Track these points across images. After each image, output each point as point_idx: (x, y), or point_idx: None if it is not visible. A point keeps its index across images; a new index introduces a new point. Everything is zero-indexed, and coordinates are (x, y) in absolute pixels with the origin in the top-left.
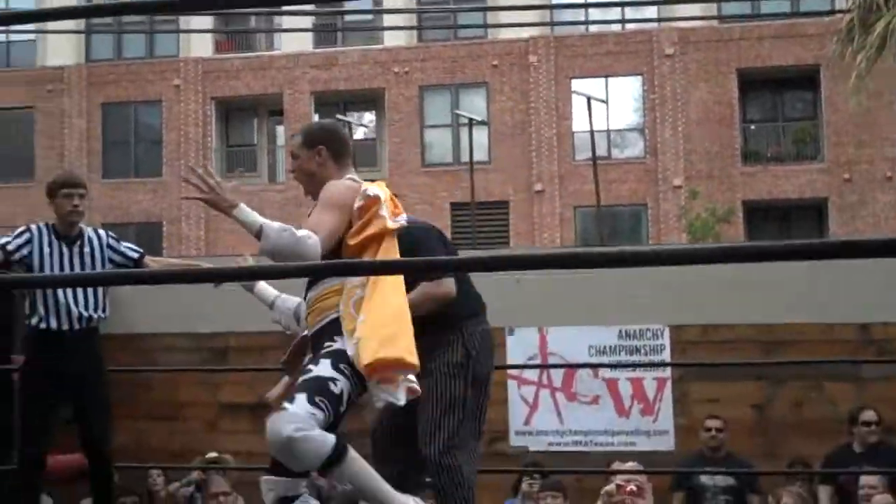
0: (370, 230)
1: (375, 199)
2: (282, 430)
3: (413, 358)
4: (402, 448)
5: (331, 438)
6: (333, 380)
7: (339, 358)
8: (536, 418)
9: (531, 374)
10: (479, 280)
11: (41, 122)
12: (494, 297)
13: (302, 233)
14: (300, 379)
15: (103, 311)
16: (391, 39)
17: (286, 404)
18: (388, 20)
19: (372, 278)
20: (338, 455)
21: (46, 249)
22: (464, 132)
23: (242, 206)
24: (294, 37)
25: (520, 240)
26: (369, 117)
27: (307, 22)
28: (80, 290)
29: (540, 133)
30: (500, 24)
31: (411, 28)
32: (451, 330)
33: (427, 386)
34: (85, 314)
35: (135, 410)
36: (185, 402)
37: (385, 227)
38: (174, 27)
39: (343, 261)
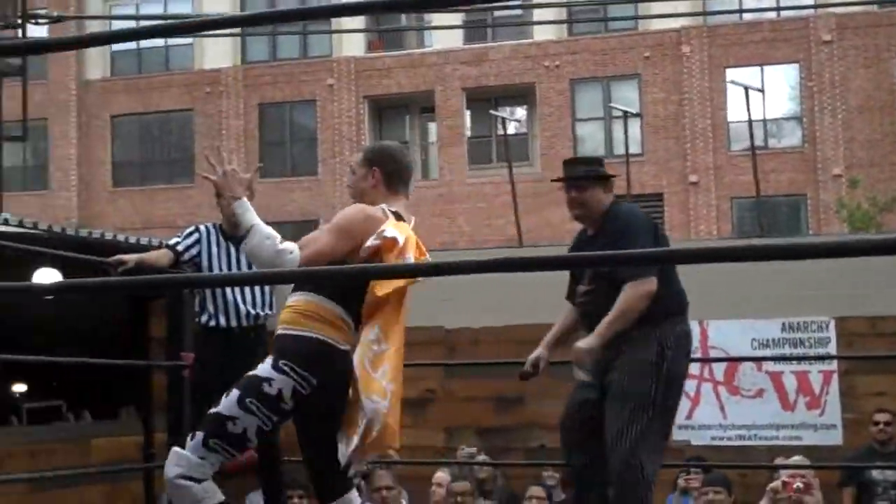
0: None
1: (393, 242)
2: (168, 472)
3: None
4: (594, 439)
5: (212, 500)
6: (233, 419)
7: (251, 391)
8: (698, 412)
9: (692, 368)
10: None
11: (200, 123)
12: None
13: (284, 245)
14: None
15: (270, 308)
16: (541, 33)
17: (189, 440)
18: (537, 14)
19: (389, 334)
20: None
21: (214, 249)
22: (616, 125)
23: (244, 201)
24: (445, 34)
25: (675, 232)
26: (521, 112)
27: (457, 19)
28: (247, 289)
29: (694, 124)
30: (652, 15)
31: (561, 22)
32: (647, 326)
33: (617, 381)
34: (252, 312)
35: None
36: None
37: (400, 286)
38: (327, 28)
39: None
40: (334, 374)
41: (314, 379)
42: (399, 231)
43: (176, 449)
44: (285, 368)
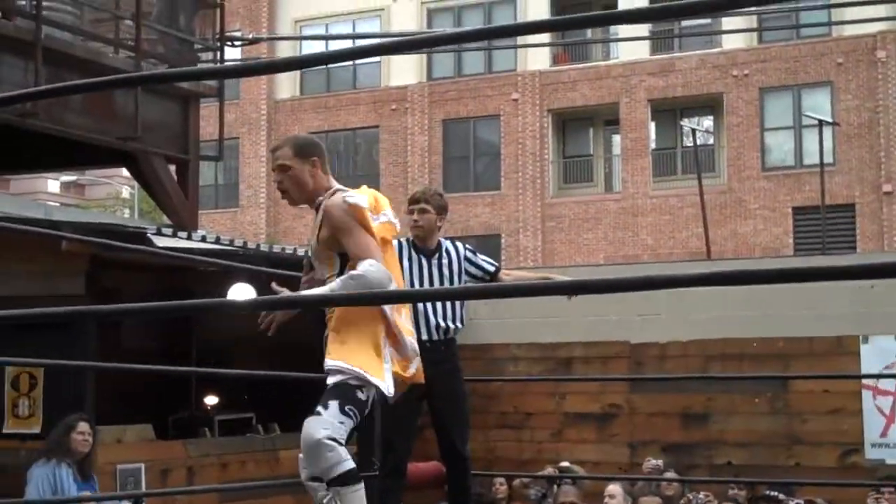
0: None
1: (359, 209)
2: (315, 433)
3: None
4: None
5: (350, 462)
6: (360, 387)
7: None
8: (894, 430)
9: (888, 384)
10: (830, 286)
11: (386, 140)
12: (847, 303)
13: (361, 268)
14: (330, 385)
15: (461, 321)
16: (729, 42)
17: (320, 408)
18: (726, 23)
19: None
20: (349, 479)
21: (406, 263)
22: (807, 134)
23: (309, 292)
24: (631, 45)
25: (868, 244)
26: (707, 122)
27: (644, 30)
28: (439, 302)
29: (889, 132)
30: (845, 20)
31: (751, 30)
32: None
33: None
34: (443, 325)
35: (485, 420)
36: (532, 411)
37: (378, 234)
38: (512, 43)
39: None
40: None
41: None
42: (360, 194)
43: (316, 416)
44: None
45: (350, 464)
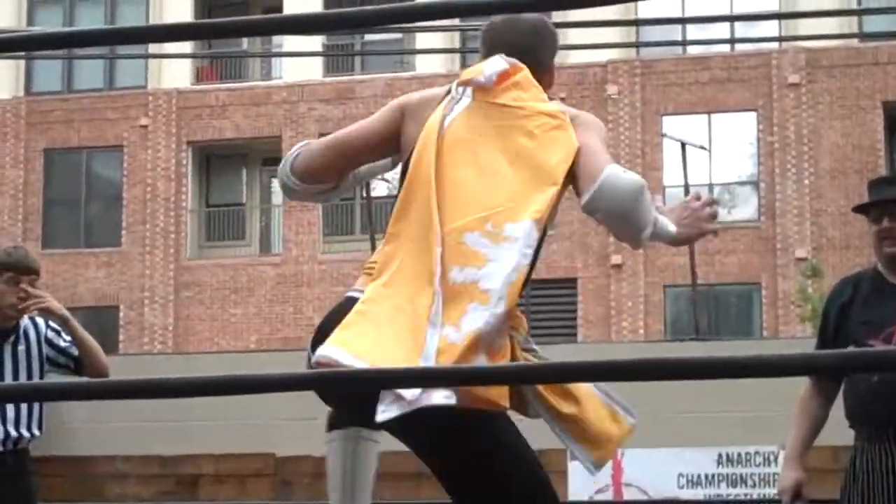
0: None
1: None
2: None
3: None
4: None
5: None
6: None
7: None
8: None
9: None
10: None
11: None
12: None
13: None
14: None
15: (38, 427)
16: (424, 65)
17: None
18: (420, 40)
19: None
20: None
21: None
22: None
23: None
24: (298, 63)
25: (592, 329)
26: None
27: (316, 43)
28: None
29: None
30: (569, 44)
31: (452, 51)
32: None
33: None
34: (14, 434)
35: None
36: None
37: None
38: (142, 51)
39: None
40: None
41: None
42: None
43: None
44: None
45: None
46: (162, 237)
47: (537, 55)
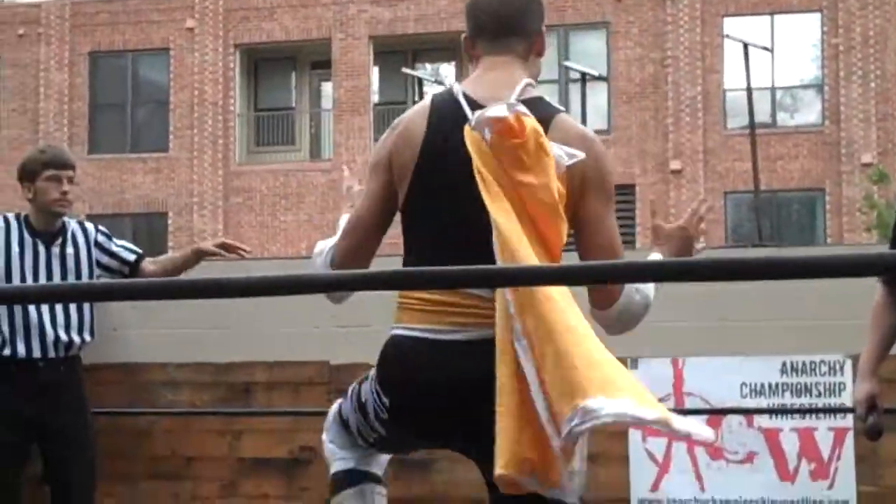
0: None
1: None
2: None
3: None
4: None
5: (338, 466)
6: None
7: None
8: (668, 482)
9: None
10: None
11: (9, 76)
12: None
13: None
14: None
15: (90, 333)
16: None
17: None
18: None
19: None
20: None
21: (16, 249)
22: (575, 91)
23: None
24: None
25: (650, 236)
26: (447, 70)
27: None
28: (59, 306)
29: (679, 92)
30: None
31: None
32: None
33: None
34: (65, 338)
35: (130, 468)
36: (196, 455)
37: None
38: None
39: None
40: None
41: None
42: None
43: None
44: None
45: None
46: (210, 142)
47: (526, 23)
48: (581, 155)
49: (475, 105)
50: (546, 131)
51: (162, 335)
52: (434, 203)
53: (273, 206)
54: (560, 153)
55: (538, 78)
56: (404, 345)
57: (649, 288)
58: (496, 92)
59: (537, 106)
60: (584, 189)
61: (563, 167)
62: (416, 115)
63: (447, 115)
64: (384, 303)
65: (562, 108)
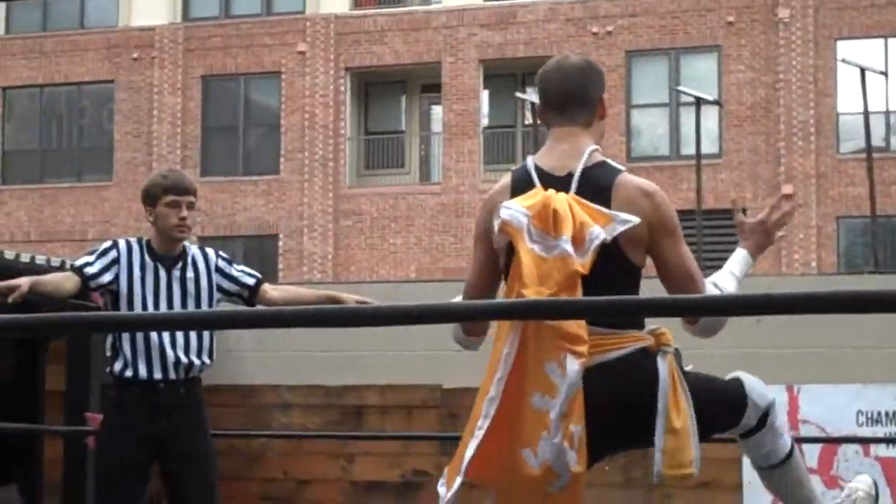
0: None
1: None
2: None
3: None
4: None
5: None
6: None
7: None
8: None
9: None
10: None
11: (123, 100)
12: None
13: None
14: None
15: (209, 356)
16: None
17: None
18: None
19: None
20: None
21: (138, 273)
22: (687, 114)
23: None
24: None
25: (762, 260)
26: None
27: None
28: (179, 330)
29: (791, 115)
30: None
31: None
32: None
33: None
34: (185, 360)
35: (244, 489)
36: (309, 478)
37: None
38: None
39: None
40: None
41: None
42: None
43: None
44: None
45: None
46: (321, 165)
47: (587, 93)
48: (635, 220)
49: (544, 175)
50: (610, 193)
51: (275, 357)
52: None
53: (383, 229)
54: (598, 233)
55: (603, 136)
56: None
57: (729, 290)
58: (564, 162)
59: (601, 172)
60: (654, 234)
61: (618, 229)
62: (500, 189)
63: (521, 188)
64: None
65: (622, 167)
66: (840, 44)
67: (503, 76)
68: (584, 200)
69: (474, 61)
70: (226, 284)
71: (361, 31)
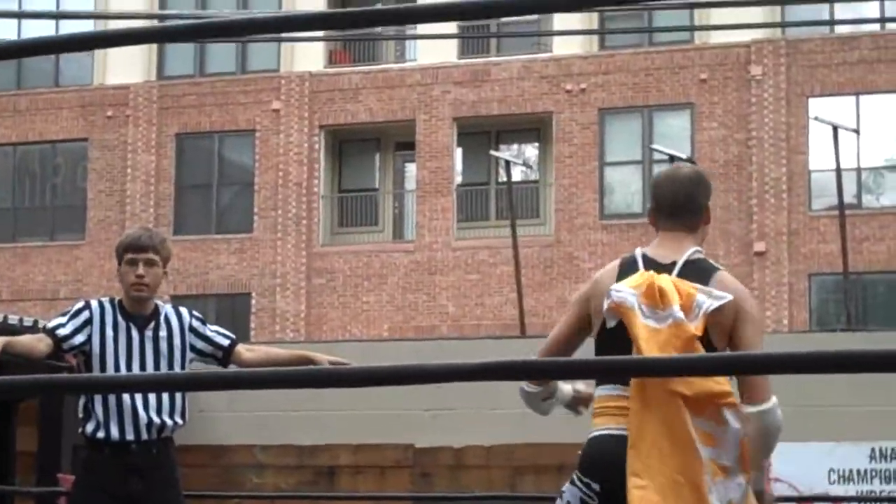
0: None
1: None
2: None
3: None
4: None
5: None
6: None
7: None
8: None
9: None
10: None
11: (97, 158)
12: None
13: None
14: None
15: (182, 416)
16: (562, 47)
17: None
18: (558, 22)
19: None
20: None
21: (110, 333)
22: (658, 171)
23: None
24: (433, 45)
25: None
26: (531, 151)
27: (451, 26)
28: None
29: (763, 172)
30: (711, 25)
31: (590, 32)
32: None
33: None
34: (157, 420)
35: None
36: None
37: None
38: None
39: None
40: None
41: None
42: None
43: None
44: (573, 477)
45: None
46: (294, 223)
47: (695, 201)
48: (728, 297)
49: (649, 262)
50: (708, 283)
51: (247, 417)
52: (618, 333)
53: (355, 287)
54: (704, 300)
55: (705, 239)
56: (605, 441)
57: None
58: (668, 254)
59: (703, 265)
60: (736, 321)
61: (717, 304)
62: (608, 269)
63: (627, 272)
64: (469, 387)
65: (720, 266)
66: (812, 101)
67: (477, 134)
68: (685, 280)
69: (448, 119)
70: (199, 345)
71: (336, 89)
